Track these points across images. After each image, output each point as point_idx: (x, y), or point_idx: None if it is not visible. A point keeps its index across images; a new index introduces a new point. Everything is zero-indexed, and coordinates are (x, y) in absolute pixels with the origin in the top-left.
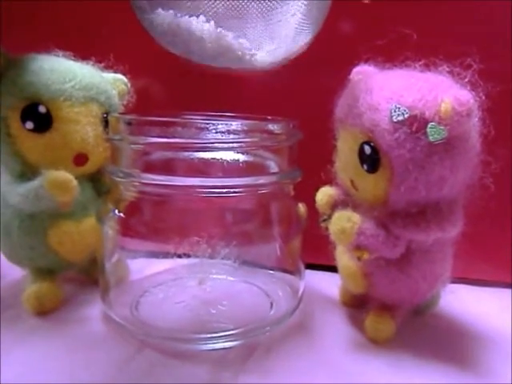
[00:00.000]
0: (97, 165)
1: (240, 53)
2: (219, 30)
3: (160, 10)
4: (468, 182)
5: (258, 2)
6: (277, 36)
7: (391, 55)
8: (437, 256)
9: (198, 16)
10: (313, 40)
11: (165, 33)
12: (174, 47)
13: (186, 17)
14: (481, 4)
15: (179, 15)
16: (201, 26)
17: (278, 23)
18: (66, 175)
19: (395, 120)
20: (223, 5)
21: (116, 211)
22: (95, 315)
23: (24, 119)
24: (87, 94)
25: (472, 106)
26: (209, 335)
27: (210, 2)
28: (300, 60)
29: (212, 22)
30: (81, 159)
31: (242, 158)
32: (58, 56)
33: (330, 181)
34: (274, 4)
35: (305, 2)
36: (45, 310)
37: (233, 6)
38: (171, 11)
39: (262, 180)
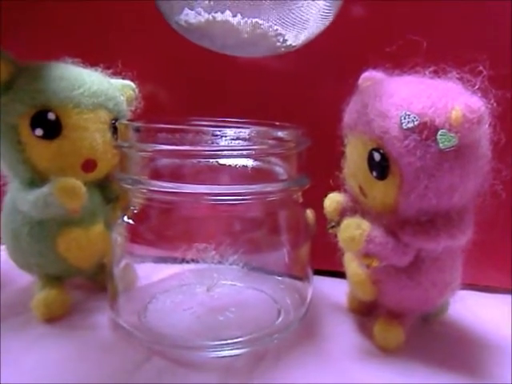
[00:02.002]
0: (105, 171)
1: (274, 39)
2: (255, 20)
3: (188, 10)
4: (478, 190)
5: None
6: (298, 21)
7: (400, 62)
8: (446, 264)
9: (223, 12)
10: (321, 46)
11: (201, 28)
12: (209, 42)
13: (217, 12)
14: (490, 10)
15: (209, 12)
16: (233, 18)
17: (300, 8)
18: (75, 182)
19: (405, 127)
20: None
21: (125, 218)
22: (103, 322)
23: (34, 126)
24: (96, 100)
25: (483, 113)
26: (217, 342)
27: None
28: (309, 66)
29: (239, 15)
30: (89, 165)
31: (250, 164)
32: (67, 63)
33: (338, 187)
34: None
35: None
36: (53, 317)
37: None
38: (200, 9)
39: (270, 187)
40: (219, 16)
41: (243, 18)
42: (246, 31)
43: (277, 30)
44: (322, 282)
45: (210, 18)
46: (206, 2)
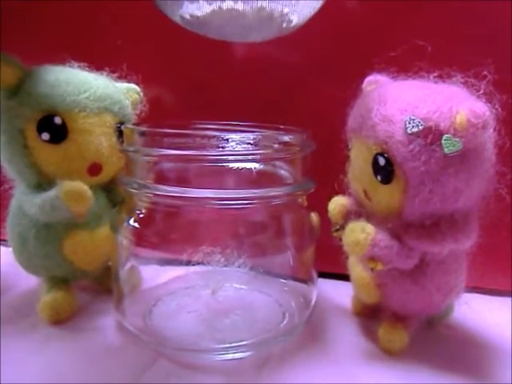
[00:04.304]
0: (111, 174)
1: (280, 20)
2: (259, 4)
3: (188, 3)
4: (483, 194)
5: None
6: (289, 3)
7: (405, 66)
8: (451, 267)
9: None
10: (326, 50)
11: (207, 19)
12: (216, 32)
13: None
14: (495, 14)
15: (209, 2)
16: (237, 4)
17: None
18: (81, 186)
19: (410, 132)
20: None
21: (130, 221)
22: (109, 324)
23: (40, 130)
24: (101, 104)
25: (488, 118)
26: (222, 345)
27: None
28: (313, 70)
29: (240, 1)
30: (95, 169)
31: (255, 168)
32: (73, 67)
33: (342, 191)
34: None
35: None
36: (60, 319)
37: None
38: (201, 1)
39: (275, 191)
40: (224, 5)
41: (247, 4)
42: (252, 15)
43: (281, 10)
44: (327, 285)
45: (216, 7)
46: None
